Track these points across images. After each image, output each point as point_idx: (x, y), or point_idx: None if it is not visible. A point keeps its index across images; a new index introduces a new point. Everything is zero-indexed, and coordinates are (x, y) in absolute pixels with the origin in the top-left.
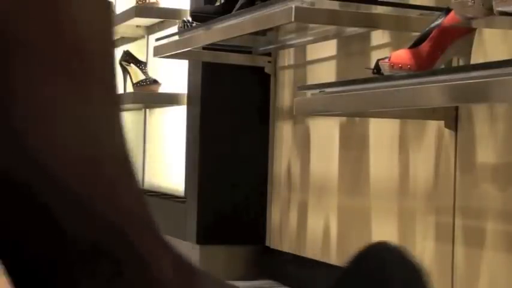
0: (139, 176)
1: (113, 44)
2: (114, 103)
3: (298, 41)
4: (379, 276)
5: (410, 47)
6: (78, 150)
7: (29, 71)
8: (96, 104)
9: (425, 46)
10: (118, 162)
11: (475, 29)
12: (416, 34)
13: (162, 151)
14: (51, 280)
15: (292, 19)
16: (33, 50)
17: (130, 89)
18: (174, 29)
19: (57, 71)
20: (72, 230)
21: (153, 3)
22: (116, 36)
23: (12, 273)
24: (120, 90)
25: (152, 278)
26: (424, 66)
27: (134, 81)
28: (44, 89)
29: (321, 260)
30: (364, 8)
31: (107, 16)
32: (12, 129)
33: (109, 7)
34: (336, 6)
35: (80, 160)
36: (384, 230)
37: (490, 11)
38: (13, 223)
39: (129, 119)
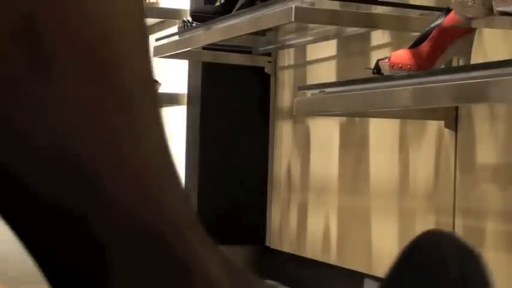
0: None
1: (146, 36)
2: (146, 98)
3: (298, 41)
4: (435, 261)
5: (410, 47)
6: (105, 148)
7: (57, 69)
8: (119, 99)
9: (425, 46)
10: (150, 161)
11: (475, 29)
12: (416, 34)
13: None
14: (84, 282)
15: (292, 19)
16: (56, 44)
17: None
18: (174, 29)
19: (82, 69)
20: (102, 230)
21: (153, 3)
22: None
23: (48, 277)
24: None
25: (195, 279)
26: (424, 66)
27: None
28: (69, 88)
29: (321, 260)
30: (364, 8)
31: (138, 6)
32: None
33: None
34: (336, 6)
35: (107, 159)
36: (384, 230)
37: (490, 11)
38: (44, 228)
39: None
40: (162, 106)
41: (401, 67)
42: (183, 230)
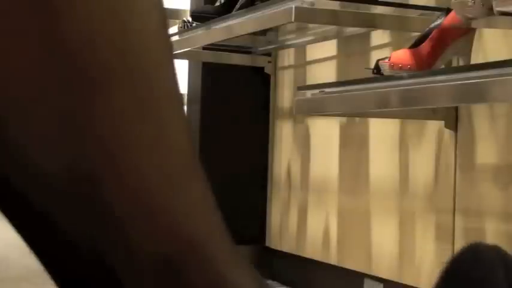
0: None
1: (170, 46)
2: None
3: (298, 41)
4: (480, 277)
5: (410, 47)
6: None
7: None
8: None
9: (425, 46)
10: (173, 178)
11: (475, 29)
12: (416, 34)
13: None
14: None
15: (292, 19)
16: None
17: None
18: (174, 29)
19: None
20: (113, 256)
21: None
22: None
23: None
24: None
25: None
26: (424, 66)
27: None
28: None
29: (321, 260)
30: (364, 8)
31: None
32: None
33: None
34: (336, 6)
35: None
36: (384, 230)
37: (490, 11)
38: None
39: None
40: (185, 115)
41: (401, 67)
42: (204, 250)
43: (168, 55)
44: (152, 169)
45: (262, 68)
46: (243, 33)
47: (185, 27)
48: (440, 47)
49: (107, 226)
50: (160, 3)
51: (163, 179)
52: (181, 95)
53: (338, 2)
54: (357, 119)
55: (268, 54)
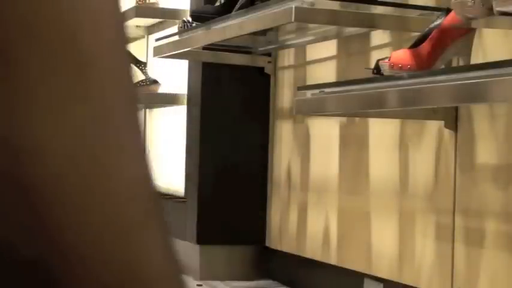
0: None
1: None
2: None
3: (298, 41)
4: None
5: (410, 47)
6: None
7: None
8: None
9: (425, 46)
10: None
11: (475, 29)
12: (416, 34)
13: (162, 151)
14: None
15: (292, 19)
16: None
17: None
18: (174, 29)
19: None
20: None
21: (153, 3)
22: None
23: None
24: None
25: None
26: (424, 66)
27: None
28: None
29: (321, 260)
30: (364, 8)
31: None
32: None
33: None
34: (336, 6)
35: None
36: (384, 230)
37: (490, 11)
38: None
39: None
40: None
41: (401, 67)
42: None
43: (121, 74)
44: (98, 225)
45: (262, 68)
46: (243, 33)
47: (185, 27)
48: (440, 47)
49: None
50: (118, 8)
51: (113, 235)
52: (139, 119)
53: (338, 2)
54: (357, 119)
55: (268, 54)
